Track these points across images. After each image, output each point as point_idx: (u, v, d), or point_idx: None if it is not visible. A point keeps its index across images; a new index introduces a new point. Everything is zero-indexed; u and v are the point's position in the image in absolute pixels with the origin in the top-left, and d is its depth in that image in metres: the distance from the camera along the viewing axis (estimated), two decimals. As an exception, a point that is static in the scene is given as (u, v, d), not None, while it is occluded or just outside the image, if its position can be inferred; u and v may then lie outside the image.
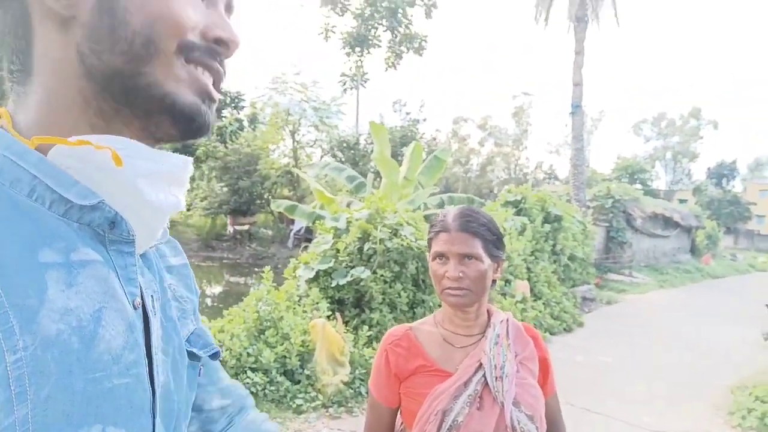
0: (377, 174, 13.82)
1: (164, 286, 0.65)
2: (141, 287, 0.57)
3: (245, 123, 28.46)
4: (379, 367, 1.42)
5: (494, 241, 1.38)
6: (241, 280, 16.34)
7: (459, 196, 12.07)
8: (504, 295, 7.88)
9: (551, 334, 8.08)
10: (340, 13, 30.95)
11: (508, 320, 1.41)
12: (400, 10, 30.24)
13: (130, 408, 0.51)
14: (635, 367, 6.74)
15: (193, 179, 26.23)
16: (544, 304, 8.71)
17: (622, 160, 39.87)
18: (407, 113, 31.58)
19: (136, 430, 0.52)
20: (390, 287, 6.13)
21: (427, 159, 12.15)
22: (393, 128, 24.70)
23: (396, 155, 17.46)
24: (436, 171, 11.91)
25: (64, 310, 0.46)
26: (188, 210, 22.88)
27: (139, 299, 0.56)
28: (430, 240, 1.42)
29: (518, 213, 10.63)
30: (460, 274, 1.31)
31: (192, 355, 0.69)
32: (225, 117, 30.00)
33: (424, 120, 29.90)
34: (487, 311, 1.43)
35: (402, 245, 6.21)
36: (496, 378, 1.28)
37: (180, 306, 0.69)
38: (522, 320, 7.66)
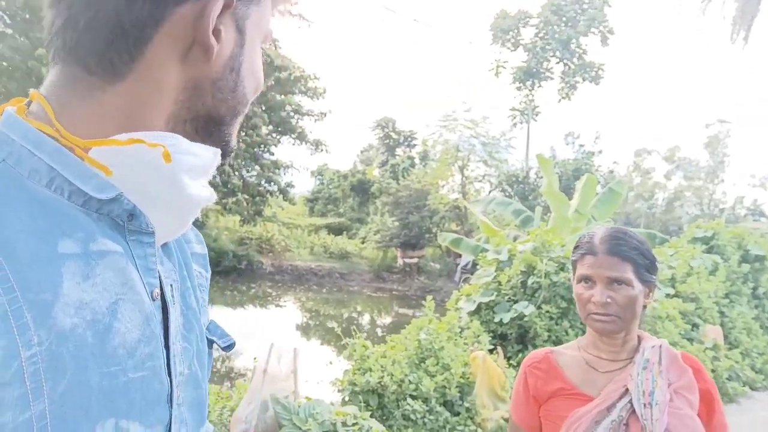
0: (546, 208, 13.37)
1: (184, 274, 0.65)
2: (160, 277, 0.58)
3: (416, 160, 29.56)
4: (518, 389, 1.40)
5: (646, 265, 1.31)
6: (410, 311, 16.70)
7: (639, 232, 11.15)
8: (690, 340, 7.05)
9: (752, 389, 7.00)
10: (512, 48, 30.93)
11: (661, 346, 1.31)
12: (573, 41, 29.34)
13: (145, 401, 0.52)
14: None
15: (367, 214, 27.57)
16: (742, 353, 7.60)
17: None
18: (581, 145, 30.22)
19: (150, 422, 0.52)
20: (556, 324, 5.85)
21: (601, 192, 11.49)
22: (565, 161, 23.78)
23: (568, 189, 16.76)
24: (611, 204, 11.18)
25: (79, 304, 0.46)
26: (362, 243, 24.14)
27: (157, 290, 0.56)
28: (574, 261, 1.38)
29: (709, 251, 9.50)
30: (608, 300, 1.26)
31: (209, 344, 0.71)
32: (398, 155, 31.43)
33: (600, 152, 28.39)
34: (638, 336, 1.34)
35: (569, 280, 5.91)
36: (645, 405, 1.19)
37: (202, 294, 0.70)
38: (713, 370, 6.78)
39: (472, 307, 6.18)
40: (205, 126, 0.59)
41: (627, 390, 1.23)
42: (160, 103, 0.55)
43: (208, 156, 0.60)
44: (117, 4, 0.51)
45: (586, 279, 1.31)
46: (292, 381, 3.83)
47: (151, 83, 0.54)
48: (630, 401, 1.21)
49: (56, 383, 0.43)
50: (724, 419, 1.31)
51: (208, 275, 0.75)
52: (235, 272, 19.92)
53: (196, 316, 0.66)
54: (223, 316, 15.55)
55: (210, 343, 0.71)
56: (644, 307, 1.33)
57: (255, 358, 4.43)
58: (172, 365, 0.57)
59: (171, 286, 0.60)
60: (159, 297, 0.56)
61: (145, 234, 0.55)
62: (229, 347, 0.75)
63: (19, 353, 0.42)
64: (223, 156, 0.63)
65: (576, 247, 1.39)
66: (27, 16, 14.51)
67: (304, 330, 14.72)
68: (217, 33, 0.56)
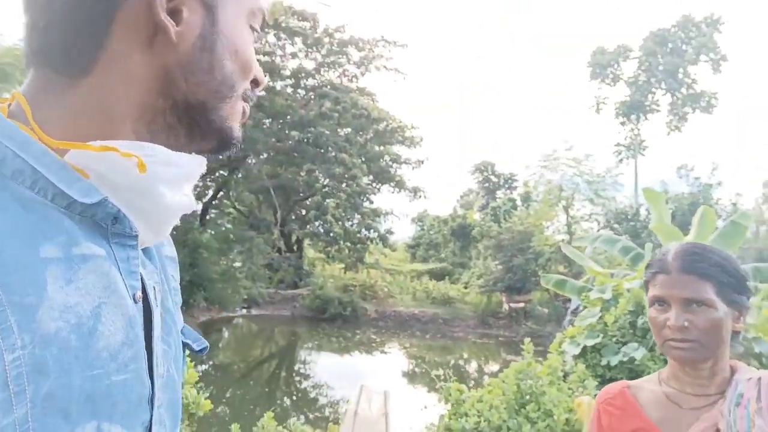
0: (659, 245, 12.49)
1: (162, 277, 0.65)
2: (143, 279, 0.57)
3: (518, 202, 28.97)
4: (592, 429, 1.29)
5: (732, 284, 1.17)
6: (518, 358, 16.01)
7: (769, 267, 10.07)
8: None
9: None
10: (612, 84, 29.94)
11: (760, 379, 1.14)
12: (681, 71, 27.87)
13: (127, 403, 0.51)
14: None
15: (469, 258, 27.22)
16: None
17: None
18: (695, 178, 28.13)
19: (132, 424, 0.52)
20: (672, 368, 5.36)
21: (722, 226, 10.55)
22: (680, 195, 22.22)
23: (685, 225, 15.56)
24: (734, 239, 10.18)
25: (63, 307, 0.46)
26: (465, 288, 23.76)
27: (140, 292, 0.56)
28: (646, 282, 1.26)
29: None
30: (686, 324, 1.12)
31: (184, 348, 0.71)
32: (498, 198, 31.00)
33: (719, 184, 26.18)
34: (730, 367, 1.19)
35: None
36: None
37: (175, 297, 0.70)
38: None
39: (577, 350, 5.82)
40: (187, 114, 0.58)
41: (717, 430, 1.09)
42: (131, 94, 0.54)
43: (190, 166, 0.59)
44: (68, 2, 0.52)
45: (659, 301, 1.19)
46: (383, 424, 3.79)
47: (118, 75, 0.54)
48: None
49: (39, 386, 0.43)
50: None
51: (177, 277, 0.74)
52: (340, 318, 20.28)
53: (173, 319, 0.66)
54: (331, 362, 15.80)
55: (184, 346, 0.71)
56: (737, 333, 1.19)
57: (348, 401, 4.44)
58: (154, 367, 0.56)
59: (154, 288, 0.60)
60: (141, 299, 0.56)
61: (128, 237, 0.55)
62: (203, 350, 0.74)
63: (3, 357, 0.42)
64: (228, 148, 0.63)
65: (648, 266, 1.28)
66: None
67: (411, 377, 14.56)
68: (176, 13, 0.54)
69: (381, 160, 22.01)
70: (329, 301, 20.42)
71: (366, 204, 22.35)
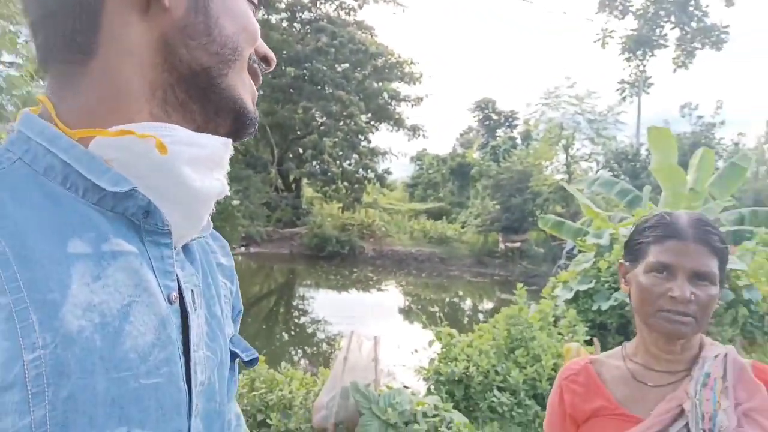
0: (658, 188, 12.40)
1: (209, 282, 0.63)
2: (180, 281, 0.55)
3: (518, 141, 28.65)
4: (553, 406, 1.23)
5: (725, 263, 1.11)
6: (511, 297, 16.27)
7: (767, 211, 10.04)
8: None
9: None
10: (620, 16, 28.96)
11: (726, 356, 1.09)
12: (692, 2, 26.88)
13: (160, 409, 0.49)
14: None
15: (467, 198, 27.33)
16: None
17: None
18: (699, 117, 27.66)
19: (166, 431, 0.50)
20: (662, 314, 5.40)
21: (722, 167, 10.44)
22: (681, 135, 21.95)
23: (685, 165, 15.44)
24: (733, 181, 10.12)
25: (87, 306, 0.45)
26: (462, 227, 23.87)
27: (175, 293, 0.54)
28: (642, 244, 1.15)
29: None
30: (691, 297, 1.05)
31: (233, 357, 0.68)
32: (499, 136, 30.65)
33: (722, 123, 25.74)
34: (699, 344, 1.13)
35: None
36: (704, 431, 1.00)
37: (226, 305, 0.68)
38: None
39: (569, 295, 5.87)
40: (195, 84, 0.56)
41: (683, 411, 1.03)
42: (138, 71, 0.53)
43: (215, 146, 0.57)
44: None
45: (663, 268, 1.09)
46: (372, 369, 3.83)
47: (120, 51, 0.52)
48: (686, 426, 1.02)
49: (59, 388, 0.42)
50: None
51: (233, 288, 0.72)
52: (338, 257, 20.49)
53: (221, 326, 0.63)
54: (329, 299, 16.09)
55: (233, 356, 0.68)
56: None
57: (339, 346, 4.49)
58: (192, 373, 0.54)
59: (192, 291, 0.58)
60: (177, 300, 0.54)
61: (161, 234, 0.53)
62: (252, 362, 0.71)
63: (22, 356, 0.40)
64: (246, 127, 0.61)
65: (648, 227, 1.15)
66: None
67: (407, 314, 14.85)
68: None
69: (379, 98, 21.53)
70: (327, 239, 20.58)
71: (364, 143, 22.08)
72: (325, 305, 15.26)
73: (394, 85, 22.27)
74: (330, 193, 21.19)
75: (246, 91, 0.60)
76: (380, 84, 21.53)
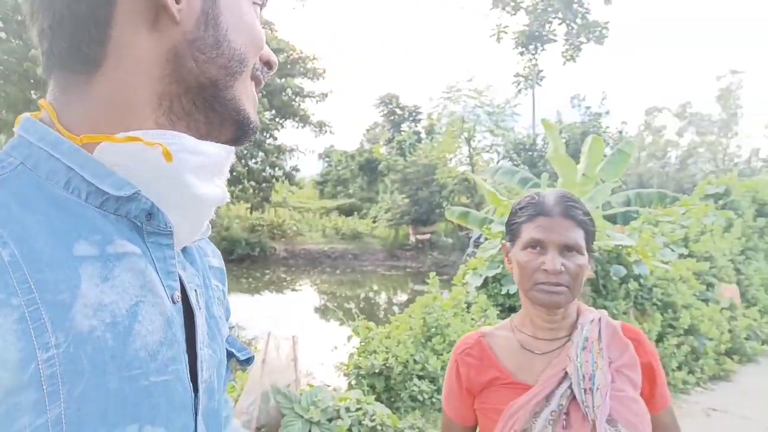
0: (554, 175, 13.16)
1: (207, 283, 0.65)
2: (183, 281, 0.56)
3: (423, 135, 29.29)
4: (451, 380, 1.27)
5: (593, 233, 1.21)
6: (425, 288, 16.65)
7: (649, 192, 10.95)
8: (706, 301, 6.89)
9: (772, 346, 6.86)
10: (512, 12, 30.32)
11: (600, 320, 1.19)
12: (576, 1, 28.67)
13: (170, 406, 0.50)
14: None
15: (377, 192, 27.62)
16: (760, 311, 7.44)
17: None
18: (587, 108, 29.63)
19: (176, 429, 0.51)
20: (565, 293, 5.74)
21: (610, 154, 11.23)
22: (572, 125, 23.39)
23: (577, 153, 16.49)
24: (619, 166, 10.91)
25: (97, 305, 0.45)
26: (374, 222, 24.08)
27: (178, 293, 0.55)
28: (516, 224, 1.23)
29: (723, 207, 9.27)
30: (561, 268, 1.13)
31: (228, 357, 0.69)
32: (404, 131, 31.17)
33: (607, 113, 27.79)
34: (577, 310, 1.23)
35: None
36: (586, 390, 1.08)
37: (219, 307, 0.68)
38: (730, 331, 6.58)
39: (479, 282, 6.07)
40: (202, 96, 0.56)
41: (566, 374, 1.11)
42: (145, 82, 0.53)
43: (218, 154, 0.58)
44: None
45: (536, 243, 1.17)
46: (292, 370, 3.77)
47: (128, 63, 0.52)
48: (570, 387, 1.10)
49: (73, 387, 0.42)
50: (665, 391, 1.21)
51: (225, 290, 0.74)
52: (248, 259, 20.02)
53: (218, 326, 0.64)
54: (241, 303, 15.67)
55: (229, 356, 0.69)
56: (588, 278, 1.23)
57: (256, 348, 4.39)
58: (198, 371, 0.55)
59: (195, 291, 0.59)
60: (180, 300, 0.55)
61: (163, 235, 0.54)
62: (248, 361, 0.73)
63: (36, 355, 0.41)
64: (247, 135, 0.61)
65: (520, 208, 1.24)
66: (19, 18, 14.40)
67: (323, 312, 14.77)
68: None
69: (283, 94, 21.14)
70: (236, 242, 20.04)
71: (269, 140, 21.64)
72: (239, 310, 14.81)
73: (298, 80, 21.97)
74: (237, 193, 20.61)
75: (249, 100, 0.61)
76: (283, 80, 21.15)
